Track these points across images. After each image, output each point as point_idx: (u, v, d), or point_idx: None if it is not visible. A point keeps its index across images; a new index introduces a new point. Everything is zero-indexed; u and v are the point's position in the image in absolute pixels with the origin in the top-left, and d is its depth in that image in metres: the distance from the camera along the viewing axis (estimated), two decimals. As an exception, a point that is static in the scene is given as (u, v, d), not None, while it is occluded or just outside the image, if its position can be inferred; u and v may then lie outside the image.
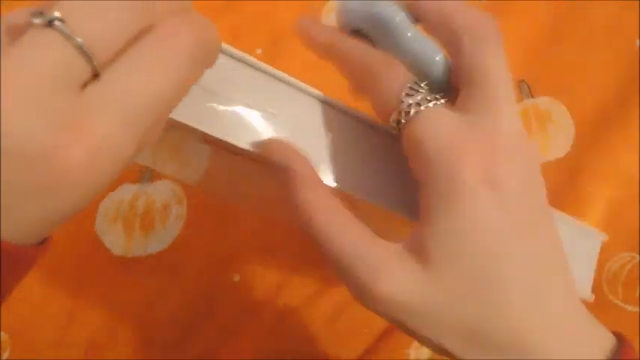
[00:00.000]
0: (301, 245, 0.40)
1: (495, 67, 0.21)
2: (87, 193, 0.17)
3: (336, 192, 0.24)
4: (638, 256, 0.39)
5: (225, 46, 0.25)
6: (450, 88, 0.23)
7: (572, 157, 0.42)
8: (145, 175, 0.41)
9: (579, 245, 0.29)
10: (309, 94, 0.26)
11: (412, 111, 0.21)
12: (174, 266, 0.39)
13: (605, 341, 0.21)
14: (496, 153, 0.20)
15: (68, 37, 0.16)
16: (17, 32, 0.17)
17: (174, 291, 0.39)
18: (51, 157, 0.16)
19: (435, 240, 0.20)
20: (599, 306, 0.38)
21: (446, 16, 0.22)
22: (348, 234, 0.21)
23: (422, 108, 0.21)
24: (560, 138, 0.42)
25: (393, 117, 0.22)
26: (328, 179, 0.24)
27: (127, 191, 0.40)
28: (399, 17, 0.23)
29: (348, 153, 0.25)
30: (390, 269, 0.21)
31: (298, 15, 0.51)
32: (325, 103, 0.26)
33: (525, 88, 0.44)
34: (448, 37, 0.22)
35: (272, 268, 0.40)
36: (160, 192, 0.40)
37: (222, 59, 0.24)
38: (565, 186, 0.41)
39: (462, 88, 0.22)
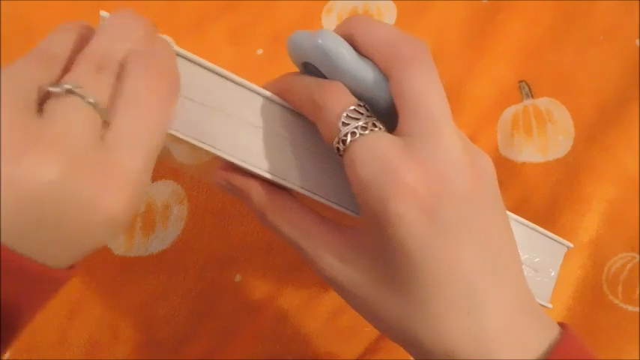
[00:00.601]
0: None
1: (424, 88, 0.21)
2: (122, 227, 0.21)
3: (296, 194, 0.26)
4: (638, 256, 0.39)
5: (177, 49, 0.25)
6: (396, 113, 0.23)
7: (572, 157, 0.42)
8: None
9: (543, 253, 0.30)
10: (264, 96, 0.26)
11: (349, 139, 0.21)
12: (175, 266, 0.39)
13: (544, 340, 0.21)
14: (432, 181, 0.20)
15: (85, 99, 0.20)
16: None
17: (175, 291, 0.39)
18: (98, 207, 0.19)
19: (369, 258, 0.22)
20: (599, 306, 0.38)
21: (376, 45, 0.23)
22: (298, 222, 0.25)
23: (358, 135, 0.21)
24: (560, 138, 0.42)
25: (334, 144, 0.22)
26: (288, 180, 0.25)
27: (127, 191, 0.40)
28: (342, 47, 0.23)
29: (305, 154, 0.25)
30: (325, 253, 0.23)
31: (298, 15, 0.51)
32: (282, 105, 0.26)
33: (525, 88, 0.44)
34: (381, 65, 0.23)
35: (272, 268, 0.40)
36: (161, 192, 0.40)
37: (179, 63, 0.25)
38: (565, 186, 0.41)
39: (400, 113, 0.22)
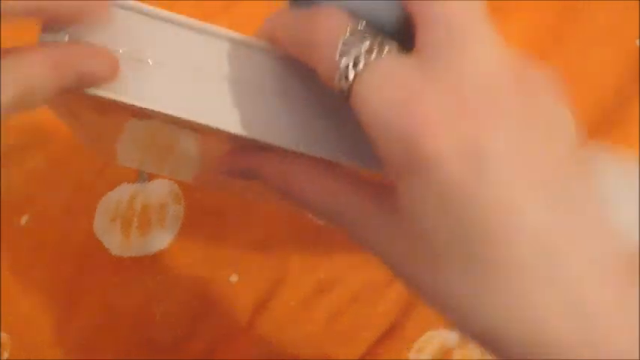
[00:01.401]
0: (300, 245, 0.40)
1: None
2: None
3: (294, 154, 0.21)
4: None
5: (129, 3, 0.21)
6: (408, 39, 0.18)
7: (572, 157, 0.41)
8: (142, 174, 0.41)
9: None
10: (228, 39, 0.22)
11: (351, 72, 0.16)
12: (172, 266, 0.39)
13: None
14: (465, 103, 0.15)
15: None
16: None
17: (172, 291, 0.39)
18: None
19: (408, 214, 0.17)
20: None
21: None
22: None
23: (362, 64, 0.16)
24: (560, 138, 0.42)
25: (337, 84, 0.17)
26: (282, 140, 0.20)
27: (125, 191, 0.40)
28: None
29: (312, 110, 0.21)
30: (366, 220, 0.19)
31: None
32: (258, 48, 0.21)
33: (525, 89, 0.44)
34: None
35: (270, 268, 0.40)
36: (158, 191, 0.40)
37: (134, 18, 0.21)
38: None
39: (416, 26, 0.17)
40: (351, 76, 0.16)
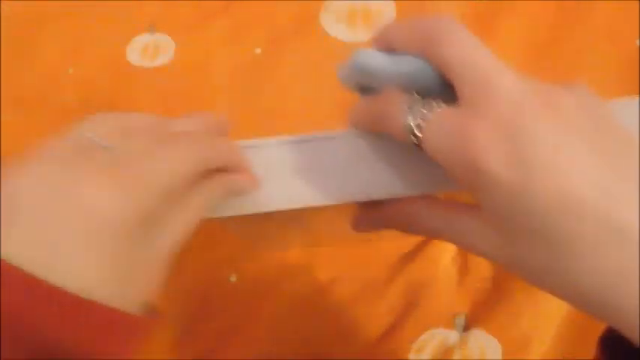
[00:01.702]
0: (300, 245, 0.40)
1: (460, 52, 0.21)
2: None
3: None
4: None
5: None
6: (447, 93, 0.23)
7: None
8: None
9: None
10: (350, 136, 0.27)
11: (417, 130, 0.22)
12: (172, 266, 0.39)
13: None
14: (502, 126, 0.20)
15: None
16: None
17: (173, 291, 0.39)
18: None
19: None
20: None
21: (405, 38, 0.23)
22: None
23: (423, 122, 0.22)
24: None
25: (410, 140, 0.22)
26: (407, 190, 0.26)
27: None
28: (370, 56, 0.24)
29: (390, 162, 0.27)
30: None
31: (296, 15, 0.51)
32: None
33: (525, 89, 0.44)
34: (418, 52, 0.23)
35: (269, 269, 0.40)
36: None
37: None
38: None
39: (453, 85, 0.22)
40: (418, 130, 0.22)
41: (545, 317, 0.36)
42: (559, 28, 0.47)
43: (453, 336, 0.36)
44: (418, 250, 0.39)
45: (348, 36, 0.48)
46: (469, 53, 0.21)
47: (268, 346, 0.38)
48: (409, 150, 0.25)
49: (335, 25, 0.49)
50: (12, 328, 0.18)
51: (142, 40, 0.50)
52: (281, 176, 0.27)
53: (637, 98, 0.28)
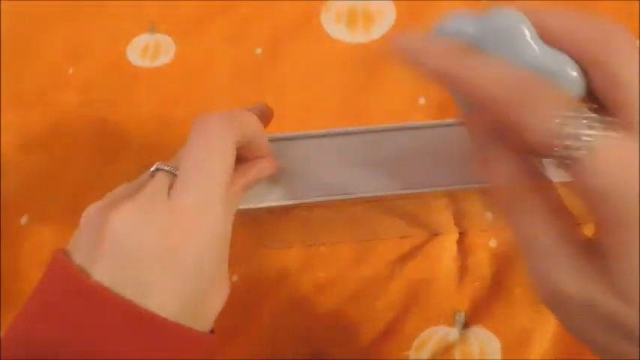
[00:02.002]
0: (300, 244, 0.40)
1: None
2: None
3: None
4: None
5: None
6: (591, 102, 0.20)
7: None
8: (140, 171, 0.40)
9: None
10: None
11: (578, 146, 0.18)
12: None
13: None
14: None
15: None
16: None
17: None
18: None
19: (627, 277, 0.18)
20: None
21: (566, 29, 0.19)
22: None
23: (589, 141, 0.18)
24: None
25: (557, 152, 0.18)
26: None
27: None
28: (525, 28, 0.19)
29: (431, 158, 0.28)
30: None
31: (297, 14, 0.51)
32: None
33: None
34: (579, 51, 0.19)
35: (269, 269, 0.40)
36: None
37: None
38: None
39: (621, 106, 0.19)
40: (579, 149, 0.18)
41: (545, 314, 0.36)
42: (558, 28, 0.47)
43: (453, 333, 0.36)
44: (418, 248, 0.39)
45: (348, 36, 0.48)
46: None
47: (268, 346, 0.38)
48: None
49: (335, 26, 0.49)
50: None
51: (142, 40, 0.50)
52: (314, 168, 0.28)
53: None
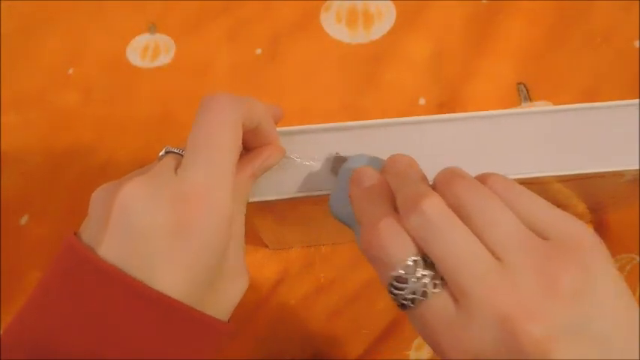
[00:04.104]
0: (300, 245, 0.40)
1: (448, 251, 0.20)
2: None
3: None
4: (637, 257, 0.39)
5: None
6: None
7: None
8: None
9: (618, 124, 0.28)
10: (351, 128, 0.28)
11: (409, 300, 0.21)
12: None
13: None
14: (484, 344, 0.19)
15: None
16: None
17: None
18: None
19: None
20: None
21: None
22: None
23: (422, 296, 0.21)
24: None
25: (392, 295, 0.22)
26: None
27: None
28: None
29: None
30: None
31: (297, 15, 0.51)
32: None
33: (524, 91, 0.44)
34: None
35: (270, 268, 0.40)
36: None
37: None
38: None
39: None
40: (410, 301, 0.21)
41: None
42: (558, 29, 0.47)
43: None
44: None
45: (348, 36, 0.48)
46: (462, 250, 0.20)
47: (268, 346, 0.38)
48: None
49: (335, 26, 0.49)
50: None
51: (142, 40, 0.50)
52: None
53: (637, 100, 0.28)
